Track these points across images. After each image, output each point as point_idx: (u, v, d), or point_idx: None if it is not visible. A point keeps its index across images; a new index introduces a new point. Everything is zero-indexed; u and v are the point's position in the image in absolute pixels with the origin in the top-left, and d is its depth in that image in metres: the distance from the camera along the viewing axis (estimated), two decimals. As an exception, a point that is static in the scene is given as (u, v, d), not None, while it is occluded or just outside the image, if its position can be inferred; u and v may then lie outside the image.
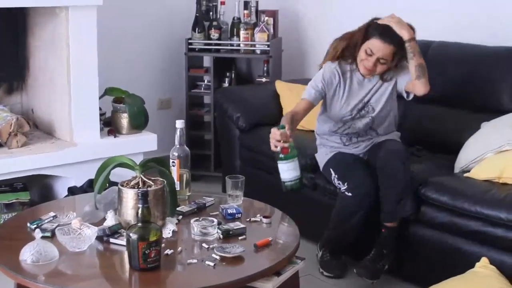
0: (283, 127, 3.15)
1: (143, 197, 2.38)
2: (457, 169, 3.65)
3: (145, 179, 2.70)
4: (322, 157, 3.80)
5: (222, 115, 4.64)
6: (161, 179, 2.75)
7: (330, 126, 3.75)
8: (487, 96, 3.96)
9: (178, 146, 3.07)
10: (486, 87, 3.96)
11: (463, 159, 3.64)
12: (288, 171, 3.14)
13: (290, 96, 4.57)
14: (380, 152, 3.53)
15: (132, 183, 2.70)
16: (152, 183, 2.69)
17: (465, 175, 3.50)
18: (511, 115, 3.65)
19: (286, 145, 3.14)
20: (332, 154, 3.72)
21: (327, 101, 3.70)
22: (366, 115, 3.67)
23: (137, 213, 2.39)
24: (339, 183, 3.56)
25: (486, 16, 4.27)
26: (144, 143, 4.42)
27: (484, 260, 3.09)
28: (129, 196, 2.64)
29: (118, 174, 2.87)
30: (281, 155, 3.13)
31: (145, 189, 2.61)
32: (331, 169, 3.65)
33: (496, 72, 3.92)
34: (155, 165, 2.79)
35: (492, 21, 4.23)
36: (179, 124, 3.06)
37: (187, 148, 3.11)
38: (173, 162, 3.04)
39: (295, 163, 3.15)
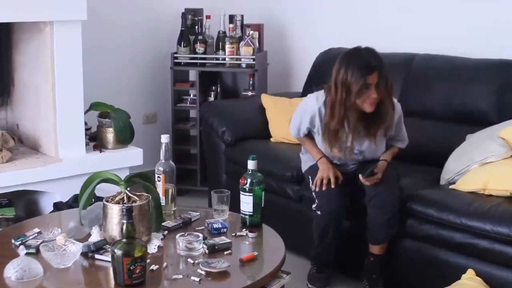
0: (254, 158, 3.09)
1: (128, 212, 2.37)
2: (442, 181, 3.66)
3: (130, 194, 2.69)
4: (305, 158, 3.84)
5: (207, 129, 4.64)
6: (146, 194, 2.75)
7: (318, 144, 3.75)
8: (471, 108, 3.98)
9: (163, 161, 3.07)
10: (470, 99, 3.98)
11: (448, 171, 3.65)
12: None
13: (276, 110, 4.58)
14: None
15: (117, 198, 2.69)
16: (137, 199, 2.69)
17: (451, 187, 3.51)
18: (495, 127, 3.65)
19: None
20: (314, 162, 3.70)
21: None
22: (357, 154, 3.64)
23: (122, 229, 2.39)
24: (313, 197, 3.60)
25: (470, 29, 4.29)
26: (129, 158, 4.41)
27: (470, 272, 3.10)
28: (114, 212, 2.63)
29: (104, 189, 2.86)
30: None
31: (129, 204, 2.60)
32: (310, 177, 3.68)
33: (480, 84, 3.95)
34: (140, 180, 2.78)
35: (476, 33, 4.26)
36: (164, 139, 3.06)
37: (172, 163, 3.10)
38: (158, 177, 3.03)
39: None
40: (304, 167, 3.81)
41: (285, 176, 3.99)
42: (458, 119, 4.01)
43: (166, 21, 5.37)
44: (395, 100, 3.59)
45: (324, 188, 3.51)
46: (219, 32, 5.16)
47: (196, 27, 5.18)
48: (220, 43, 5.13)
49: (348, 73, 3.35)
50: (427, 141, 4.04)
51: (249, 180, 3.01)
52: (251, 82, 5.15)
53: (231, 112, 4.65)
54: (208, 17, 5.20)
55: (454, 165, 3.63)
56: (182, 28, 5.14)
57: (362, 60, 3.38)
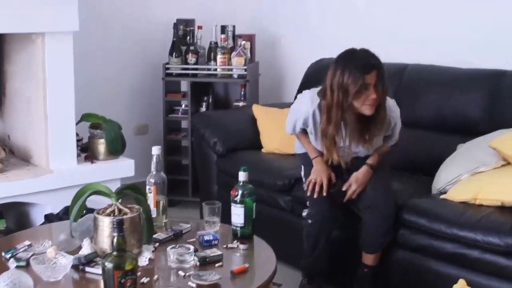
0: (245, 169, 3.09)
1: (119, 225, 2.36)
2: (434, 191, 3.67)
3: (121, 207, 2.69)
4: (296, 142, 3.81)
5: (199, 140, 4.64)
6: (137, 206, 2.74)
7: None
8: (462, 118, 3.99)
9: (154, 172, 3.07)
10: (461, 109, 4.00)
11: (439, 180, 3.66)
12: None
13: (267, 120, 4.59)
14: (367, 196, 3.50)
15: (108, 211, 2.68)
16: (128, 211, 2.68)
17: (442, 196, 3.51)
18: (486, 137, 3.67)
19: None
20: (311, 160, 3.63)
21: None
22: (353, 153, 3.54)
23: (113, 241, 2.38)
24: (305, 198, 3.59)
25: (460, 39, 4.31)
26: (121, 169, 4.41)
27: (461, 282, 3.09)
28: (105, 224, 2.62)
29: (95, 201, 2.86)
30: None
31: (120, 217, 2.59)
32: (304, 178, 3.68)
33: (471, 94, 3.96)
34: (131, 192, 2.78)
35: (466, 43, 4.28)
36: (155, 150, 3.06)
37: (163, 175, 3.10)
38: (149, 188, 3.03)
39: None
40: (299, 150, 3.79)
41: (276, 185, 3.99)
42: (449, 129, 4.03)
43: (157, 31, 5.38)
44: (392, 101, 3.49)
45: (315, 196, 3.48)
46: (210, 42, 5.17)
47: (188, 37, 5.18)
48: (212, 54, 5.13)
49: (345, 75, 3.22)
50: (418, 151, 4.06)
51: (240, 192, 3.00)
52: (242, 93, 5.16)
53: (223, 123, 4.65)
54: (200, 27, 5.20)
55: (445, 175, 3.64)
56: (174, 39, 5.14)
57: (359, 59, 3.26)
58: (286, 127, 3.73)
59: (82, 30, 4.19)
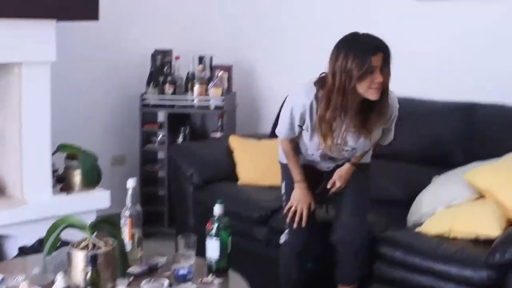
0: (221, 202, 3.08)
1: (92, 260, 2.36)
2: (409, 223, 3.69)
3: (95, 240, 2.67)
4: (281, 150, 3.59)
5: (175, 171, 4.63)
6: (111, 240, 2.73)
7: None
8: (438, 150, 4.03)
9: (129, 205, 3.05)
10: (437, 141, 4.03)
11: (415, 213, 3.68)
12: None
13: (244, 152, 4.60)
14: (340, 222, 3.47)
15: (82, 244, 2.67)
16: (103, 245, 2.67)
17: (417, 229, 3.53)
18: (461, 169, 3.70)
19: None
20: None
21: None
22: (348, 151, 3.37)
23: (86, 276, 2.36)
24: (283, 229, 3.54)
25: (436, 71, 4.36)
26: (97, 200, 4.38)
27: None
28: (79, 259, 2.60)
29: (71, 233, 2.83)
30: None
31: (94, 251, 2.58)
32: (284, 196, 3.58)
33: (446, 126, 4.00)
34: (105, 226, 2.76)
35: (442, 76, 4.32)
36: (130, 183, 3.05)
37: (139, 207, 3.09)
38: (124, 221, 3.01)
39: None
40: (282, 158, 3.58)
41: (252, 217, 4.00)
42: (424, 161, 4.06)
43: (135, 62, 5.38)
44: (393, 93, 3.31)
45: (295, 226, 3.44)
46: (188, 73, 5.19)
47: (165, 68, 5.20)
48: (189, 84, 5.15)
49: (349, 57, 2.99)
50: (394, 183, 4.08)
51: (215, 225, 2.99)
52: (219, 123, 5.17)
53: (199, 154, 4.64)
54: (177, 58, 5.22)
55: (420, 207, 3.67)
56: (151, 69, 5.15)
57: (364, 41, 3.05)
58: (279, 131, 3.42)
59: (59, 60, 4.18)
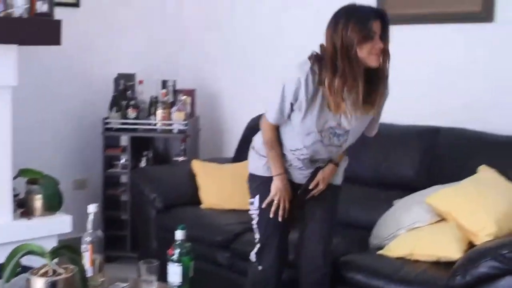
0: (183, 228, 3.06)
1: (52, 286, 2.33)
2: (371, 246, 3.70)
3: (55, 267, 2.64)
4: (256, 162, 3.39)
5: (138, 196, 4.61)
6: (72, 266, 2.70)
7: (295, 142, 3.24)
8: (399, 174, 4.06)
9: (91, 231, 3.03)
10: (397, 165, 4.07)
11: (376, 236, 3.71)
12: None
13: (207, 176, 4.60)
14: (304, 250, 3.38)
15: (42, 271, 2.63)
16: (63, 271, 2.63)
17: (379, 252, 3.55)
18: (422, 193, 3.73)
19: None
20: (267, 178, 3.30)
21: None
22: (342, 135, 3.20)
23: (46, 303, 2.34)
24: (255, 239, 3.36)
25: (398, 96, 4.39)
26: (58, 225, 4.34)
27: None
28: (38, 286, 2.57)
29: (32, 258, 2.80)
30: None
31: (54, 278, 2.55)
32: (257, 194, 3.34)
33: (406, 150, 4.04)
34: (65, 252, 2.73)
35: (401, 100, 4.36)
36: (92, 208, 3.02)
37: (100, 232, 3.05)
38: (85, 247, 2.98)
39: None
40: (254, 168, 3.40)
41: (215, 241, 3.99)
42: (386, 185, 4.09)
43: (98, 86, 5.36)
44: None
45: (271, 215, 3.24)
46: (151, 97, 5.18)
47: (128, 92, 5.19)
48: (152, 108, 5.14)
49: (349, 24, 2.91)
50: (356, 206, 4.09)
51: (177, 251, 2.98)
52: (182, 148, 5.16)
53: (162, 178, 4.63)
54: (140, 82, 5.22)
55: (382, 231, 3.69)
56: (114, 93, 5.13)
57: (363, 9, 2.97)
58: (268, 114, 3.23)
59: (21, 84, 4.16)
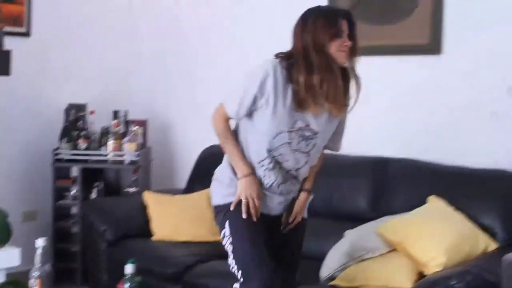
0: (133, 262, 3.02)
1: (-2, 323, 2.29)
2: (322, 278, 3.71)
3: (1, 303, 2.60)
4: (224, 184, 3.10)
5: (89, 228, 4.56)
6: (19, 301, 2.66)
7: (259, 148, 3.00)
8: (349, 205, 4.09)
9: (39, 265, 2.98)
10: (348, 196, 4.10)
11: (327, 267, 3.71)
12: None
13: (158, 207, 4.57)
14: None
15: (-12, 307, 2.59)
16: (10, 307, 2.60)
17: (330, 283, 3.56)
18: (372, 224, 3.76)
19: None
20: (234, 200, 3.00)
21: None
22: (310, 137, 3.01)
23: None
24: (235, 270, 2.96)
25: (348, 127, 4.44)
26: (6, 259, 4.23)
27: None
28: (-16, 322, 2.53)
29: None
30: None
31: (0, 314, 2.50)
32: (229, 228, 3.00)
33: (357, 181, 4.08)
34: (13, 287, 2.69)
35: (351, 131, 4.40)
36: (40, 242, 2.98)
37: (49, 267, 3.01)
38: (33, 282, 2.94)
39: None
40: (218, 199, 3.11)
41: (166, 273, 3.97)
42: (337, 216, 4.11)
43: (48, 116, 5.30)
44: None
45: (244, 216, 2.96)
46: (102, 127, 5.15)
47: (79, 122, 5.15)
48: (104, 139, 5.10)
49: (318, 21, 2.86)
50: (307, 238, 4.06)
51: (127, 285, 2.96)
52: (134, 179, 5.13)
53: (113, 210, 4.60)
54: (92, 112, 5.19)
55: (333, 262, 3.69)
56: (65, 124, 5.09)
57: (330, 8, 3.07)
58: (226, 105, 3.03)
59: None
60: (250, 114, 2.95)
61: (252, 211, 2.96)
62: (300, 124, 2.93)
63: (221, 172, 3.14)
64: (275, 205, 3.09)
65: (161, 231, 4.44)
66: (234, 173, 3.03)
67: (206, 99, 5.30)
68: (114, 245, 4.38)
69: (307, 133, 2.97)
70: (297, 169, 3.05)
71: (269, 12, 4.91)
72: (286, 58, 2.91)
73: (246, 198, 2.96)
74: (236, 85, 2.98)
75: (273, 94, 2.85)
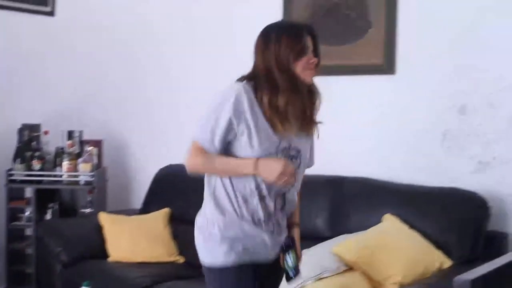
0: (88, 284, 2.98)
1: None
2: (280, 297, 3.71)
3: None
4: (211, 247, 2.64)
5: (43, 249, 4.52)
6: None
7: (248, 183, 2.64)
8: (306, 224, 4.06)
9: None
10: (304, 215, 4.08)
11: (284, 286, 3.71)
12: None
13: (114, 228, 4.55)
14: None
15: None
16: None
17: (288, 303, 3.55)
18: (328, 242, 3.78)
19: None
20: (235, 260, 2.60)
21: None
22: (295, 156, 2.73)
23: None
24: None
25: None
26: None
27: None
28: None
29: None
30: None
31: None
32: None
33: (313, 200, 4.08)
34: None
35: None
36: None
37: (2, 289, 2.98)
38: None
39: None
40: (211, 258, 2.64)
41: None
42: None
43: (1, 137, 5.23)
44: None
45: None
46: (57, 148, 5.11)
47: (33, 143, 5.09)
48: (58, 160, 5.05)
49: (282, 39, 2.60)
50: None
51: None
52: (89, 199, 5.09)
53: (68, 231, 4.56)
54: (46, 132, 5.13)
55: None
56: (19, 144, 5.03)
57: (292, 23, 2.81)
58: (198, 137, 2.61)
59: None
60: (227, 148, 2.60)
61: (291, 179, 2.60)
62: (284, 144, 2.64)
63: (207, 222, 2.66)
64: (268, 249, 2.69)
65: (117, 252, 4.41)
66: (224, 220, 2.62)
67: (161, 118, 5.32)
68: (69, 266, 4.34)
69: (292, 153, 2.68)
70: (284, 194, 2.73)
71: (228, 36, 4.93)
72: (248, 80, 2.64)
73: (279, 177, 2.56)
74: (203, 118, 2.62)
75: (250, 114, 2.55)
